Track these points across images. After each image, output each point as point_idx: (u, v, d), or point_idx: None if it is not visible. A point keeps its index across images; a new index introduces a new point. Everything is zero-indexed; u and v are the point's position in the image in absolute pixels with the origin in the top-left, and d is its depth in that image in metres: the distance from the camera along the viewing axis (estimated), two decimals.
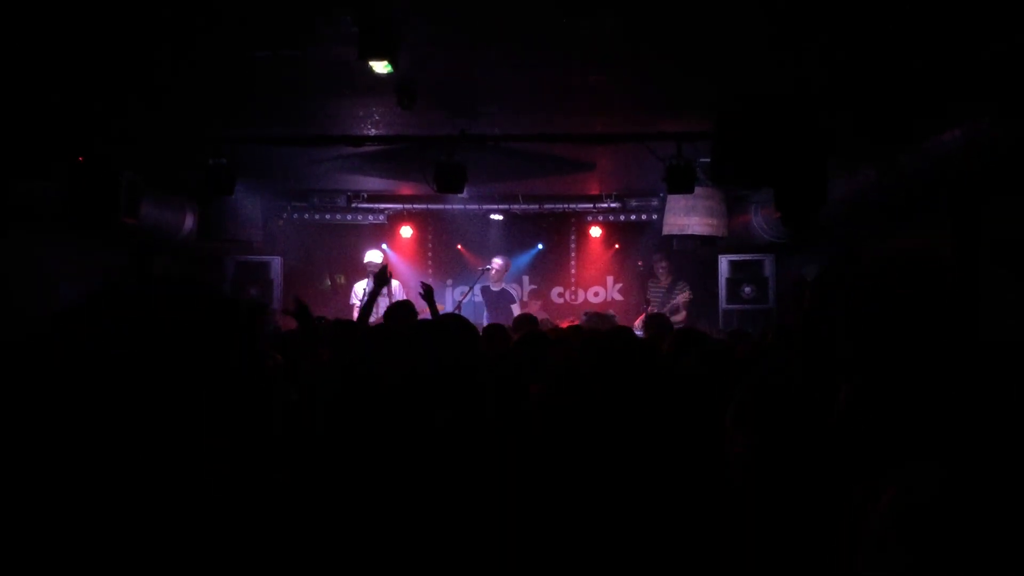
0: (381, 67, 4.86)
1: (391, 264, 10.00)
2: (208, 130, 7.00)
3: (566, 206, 10.55)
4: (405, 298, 8.90)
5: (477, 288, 9.09)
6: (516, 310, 8.86)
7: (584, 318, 7.20)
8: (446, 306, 9.47)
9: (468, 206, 10.36)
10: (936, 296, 1.37)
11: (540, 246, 11.07)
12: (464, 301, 8.78)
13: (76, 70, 5.18)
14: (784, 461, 1.73)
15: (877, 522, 0.90)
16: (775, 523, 1.50)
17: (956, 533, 0.82)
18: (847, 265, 1.45)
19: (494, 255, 9.64)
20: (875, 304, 1.39)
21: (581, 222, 11.01)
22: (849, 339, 1.41)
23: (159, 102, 6.05)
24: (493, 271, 9.23)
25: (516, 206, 10.43)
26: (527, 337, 3.69)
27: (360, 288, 9.02)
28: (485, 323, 7.43)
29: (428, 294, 5.76)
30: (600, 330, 3.57)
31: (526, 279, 10.82)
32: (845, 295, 1.42)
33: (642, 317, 7.76)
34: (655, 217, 9.84)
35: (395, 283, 9.13)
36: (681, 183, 7.28)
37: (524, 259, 10.95)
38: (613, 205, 10.36)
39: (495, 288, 9.28)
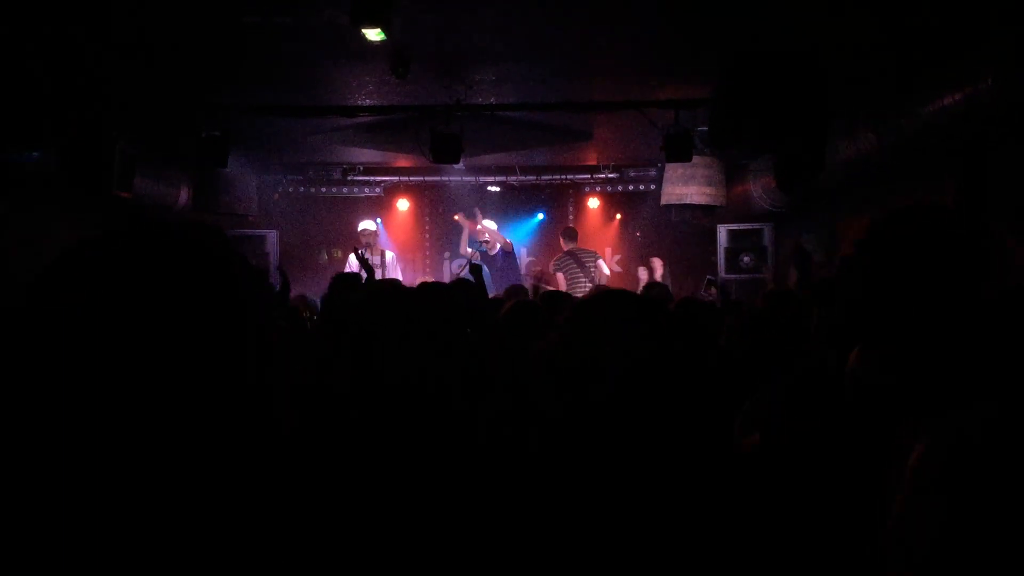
0: (374, 34, 4.77)
1: (382, 234, 9.90)
2: (200, 100, 6.89)
3: (564, 177, 10.50)
4: (397, 269, 8.84)
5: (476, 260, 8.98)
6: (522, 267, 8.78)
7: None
8: (444, 278, 9.39)
9: (465, 178, 10.30)
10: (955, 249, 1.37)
11: (541, 216, 11.02)
12: (462, 274, 8.71)
13: (66, 38, 5.08)
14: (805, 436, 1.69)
15: (909, 476, 0.86)
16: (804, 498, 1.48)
17: (997, 477, 0.78)
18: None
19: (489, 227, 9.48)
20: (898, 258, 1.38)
21: (579, 193, 10.98)
22: (869, 298, 1.41)
23: (151, 71, 5.95)
24: (487, 241, 9.06)
25: (513, 177, 10.37)
26: (516, 308, 3.37)
27: (355, 259, 8.87)
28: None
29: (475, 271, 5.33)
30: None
31: (524, 251, 10.75)
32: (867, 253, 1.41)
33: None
34: (653, 187, 9.76)
35: (389, 255, 9.04)
36: (679, 151, 7.20)
37: (527, 226, 10.88)
38: (611, 175, 10.30)
39: (491, 253, 9.06)
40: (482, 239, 9.01)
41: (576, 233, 9.09)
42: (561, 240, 9.05)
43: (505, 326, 3.20)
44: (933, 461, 0.83)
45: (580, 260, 8.49)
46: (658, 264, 8.57)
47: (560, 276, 8.46)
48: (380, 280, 6.18)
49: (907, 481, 0.85)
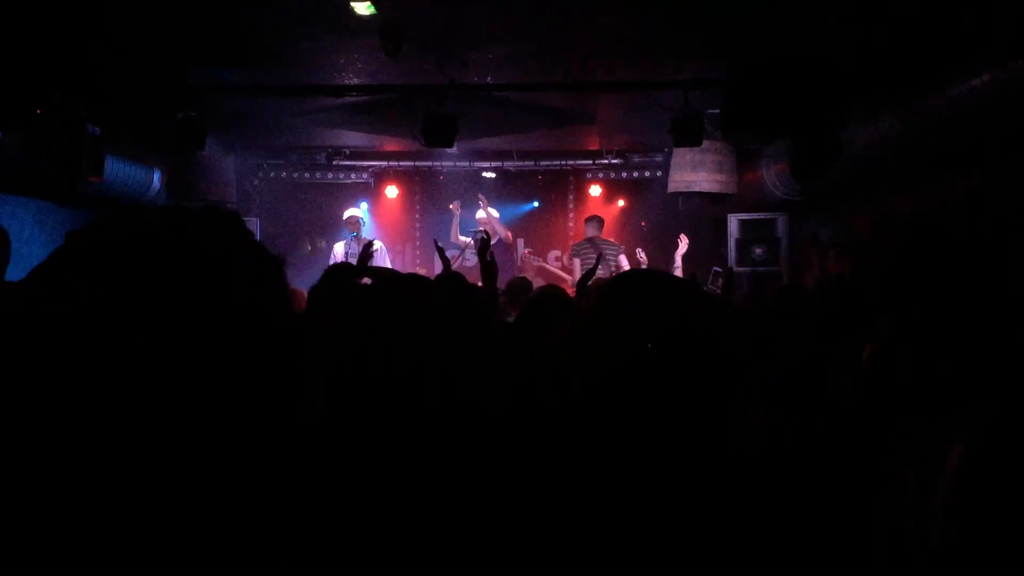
0: (363, 8, 4.72)
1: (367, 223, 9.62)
2: (177, 79, 6.61)
3: (564, 163, 10.32)
4: (386, 259, 8.65)
5: (468, 253, 8.69)
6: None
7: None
8: (435, 270, 9.07)
9: (459, 163, 10.09)
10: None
11: (535, 203, 10.79)
12: (455, 266, 8.38)
13: (30, 11, 4.75)
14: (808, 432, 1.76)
15: (949, 483, 0.91)
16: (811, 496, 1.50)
17: None
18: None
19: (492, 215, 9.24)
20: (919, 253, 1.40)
21: (580, 180, 10.75)
22: (888, 291, 1.44)
23: (123, 47, 5.64)
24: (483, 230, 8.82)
25: (510, 163, 10.17)
26: (536, 303, 3.32)
27: (340, 249, 8.62)
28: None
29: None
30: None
31: (521, 242, 10.47)
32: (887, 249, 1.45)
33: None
34: (659, 174, 9.52)
35: (377, 244, 8.75)
36: (688, 135, 6.93)
37: (518, 212, 10.61)
38: (614, 161, 10.11)
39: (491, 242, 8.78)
40: (480, 227, 8.75)
41: (602, 221, 8.80)
42: (584, 226, 8.82)
43: (526, 318, 3.24)
44: (982, 460, 0.88)
45: (601, 250, 8.18)
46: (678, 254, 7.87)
47: (576, 262, 8.31)
48: (378, 268, 5.84)
49: (947, 481, 0.90)
